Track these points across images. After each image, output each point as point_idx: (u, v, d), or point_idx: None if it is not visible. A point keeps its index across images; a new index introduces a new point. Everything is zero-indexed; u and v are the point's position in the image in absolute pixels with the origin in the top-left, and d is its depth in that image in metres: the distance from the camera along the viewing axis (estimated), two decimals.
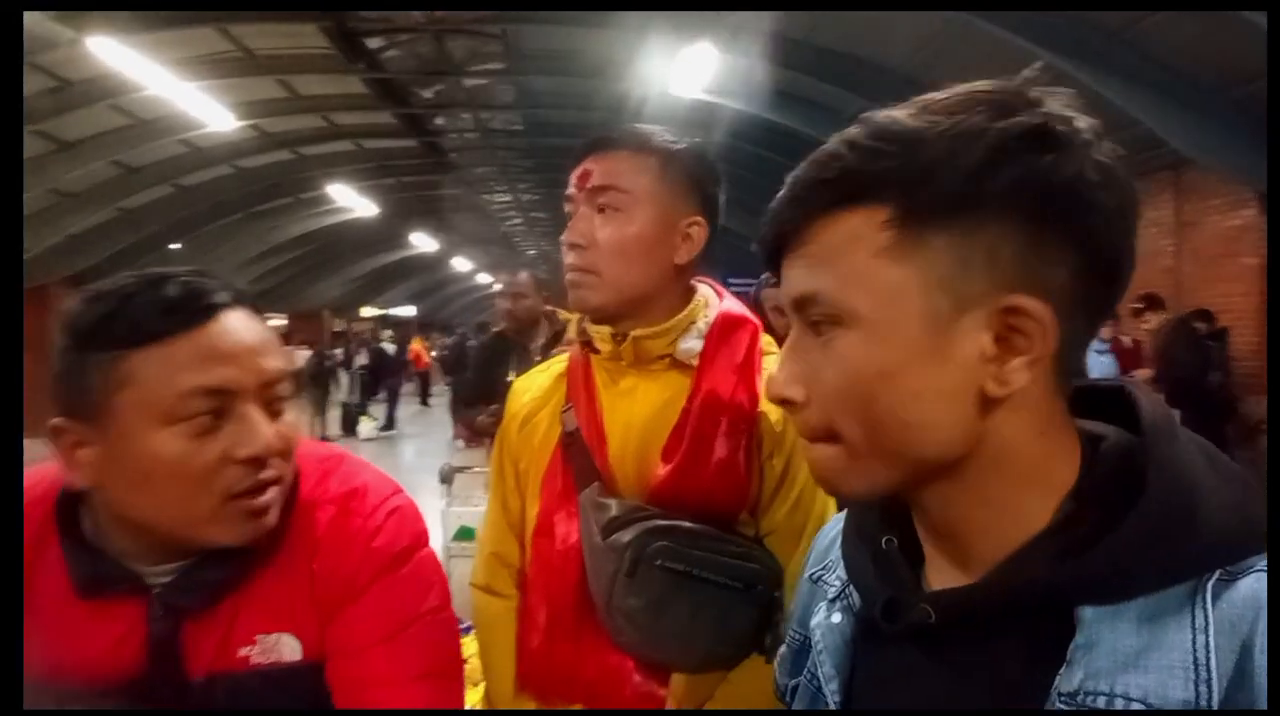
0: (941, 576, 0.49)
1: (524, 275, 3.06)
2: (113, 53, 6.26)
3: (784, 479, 0.96)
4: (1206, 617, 0.39)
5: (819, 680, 0.53)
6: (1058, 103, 0.43)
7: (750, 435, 0.95)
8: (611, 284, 0.95)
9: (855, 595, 0.54)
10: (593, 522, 0.95)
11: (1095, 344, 5.29)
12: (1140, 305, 5.79)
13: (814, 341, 0.47)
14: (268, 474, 0.73)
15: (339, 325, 19.41)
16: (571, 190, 0.98)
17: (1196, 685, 0.38)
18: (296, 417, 0.78)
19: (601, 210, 0.95)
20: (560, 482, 1.01)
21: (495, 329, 3.42)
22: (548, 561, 1.00)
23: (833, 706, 0.52)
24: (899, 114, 0.44)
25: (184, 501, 0.70)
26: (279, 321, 19.00)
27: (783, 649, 0.63)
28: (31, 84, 7.12)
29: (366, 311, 24.42)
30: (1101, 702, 0.39)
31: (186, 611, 0.76)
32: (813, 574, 0.61)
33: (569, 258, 0.97)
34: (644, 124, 1.01)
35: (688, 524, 0.91)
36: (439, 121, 11.49)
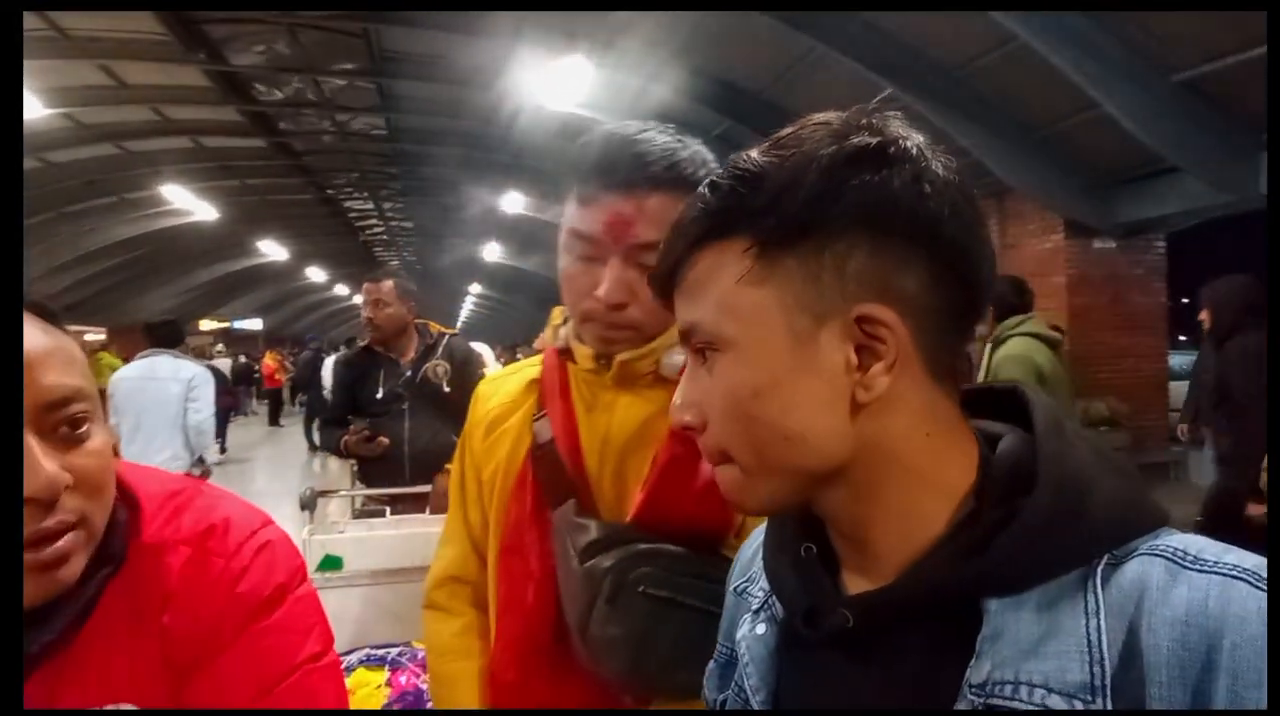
0: (857, 581, 0.50)
1: (387, 283, 2.86)
2: None
3: None
4: (1098, 602, 0.41)
5: (746, 692, 0.54)
6: (894, 126, 0.47)
7: None
8: (648, 336, 0.89)
9: (778, 605, 0.55)
10: (569, 544, 0.87)
11: None
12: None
13: (702, 369, 0.50)
14: (57, 519, 0.59)
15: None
16: (599, 235, 0.85)
17: (1091, 666, 0.40)
18: (103, 443, 0.64)
19: (641, 268, 0.84)
20: (530, 498, 0.93)
21: (361, 342, 3.13)
22: (518, 583, 0.92)
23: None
24: (754, 153, 0.48)
25: None
26: (97, 335, 16.99)
27: (711, 663, 0.62)
28: None
29: (206, 324, 22.45)
30: (1008, 691, 0.41)
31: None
32: (737, 586, 0.62)
33: (607, 316, 0.87)
34: (663, 140, 0.86)
35: (672, 548, 0.85)
36: (286, 124, 10.75)
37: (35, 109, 7.56)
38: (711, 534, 0.88)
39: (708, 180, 0.49)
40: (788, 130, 0.48)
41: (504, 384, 1.04)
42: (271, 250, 17.37)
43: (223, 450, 11.17)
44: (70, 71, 7.89)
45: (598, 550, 0.85)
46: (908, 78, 5.85)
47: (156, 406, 4.07)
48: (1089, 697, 0.39)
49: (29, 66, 7.08)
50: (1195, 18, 4.63)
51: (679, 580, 0.84)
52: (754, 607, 0.57)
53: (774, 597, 0.55)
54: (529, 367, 1.03)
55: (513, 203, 11.79)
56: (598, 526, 0.87)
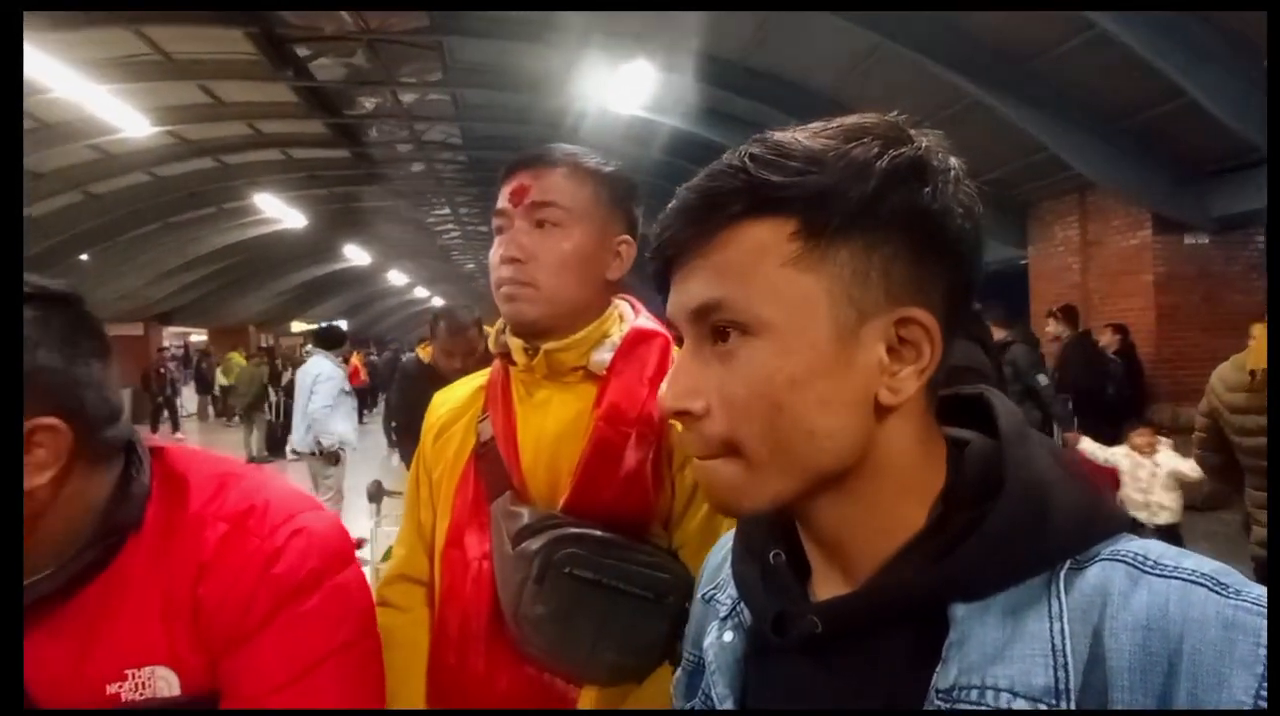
0: (828, 587, 0.50)
1: (471, 332, 2.93)
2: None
3: (695, 491, 0.96)
4: (1061, 606, 0.42)
5: (713, 700, 0.54)
6: (931, 140, 0.47)
7: (659, 447, 0.95)
8: (549, 297, 0.96)
9: (746, 612, 0.54)
10: (504, 531, 0.94)
11: None
12: (1057, 313, 6.13)
13: (713, 351, 0.47)
14: None
15: (266, 340, 18.71)
16: (505, 205, 0.98)
17: (1055, 670, 0.40)
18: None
19: (540, 225, 0.96)
20: (472, 493, 1.00)
21: (423, 355, 3.24)
22: (458, 573, 0.99)
23: None
24: (796, 135, 0.47)
25: None
26: (199, 336, 18.17)
27: (678, 672, 0.63)
28: None
29: (296, 326, 23.64)
30: (974, 696, 0.41)
31: (31, 636, 0.66)
32: (705, 593, 0.62)
33: (505, 271, 0.97)
34: (568, 144, 1.03)
35: (599, 532, 0.91)
36: (374, 133, 11.27)
37: (143, 127, 8.19)
38: (637, 520, 0.94)
39: (745, 153, 0.46)
40: (827, 124, 0.47)
41: (455, 392, 1.12)
42: (355, 255, 18.19)
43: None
44: (174, 92, 8.51)
45: (528, 534, 0.91)
46: (978, 71, 5.66)
47: (299, 397, 5.17)
48: (1053, 701, 0.40)
49: (139, 89, 7.69)
50: None
51: (603, 562, 0.90)
52: (721, 615, 0.57)
53: (741, 605, 0.55)
54: (479, 376, 1.11)
55: (636, 197, 11.93)
56: (529, 513, 0.94)
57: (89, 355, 0.70)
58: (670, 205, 0.49)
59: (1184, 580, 0.41)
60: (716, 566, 0.62)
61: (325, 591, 0.73)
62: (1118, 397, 5.77)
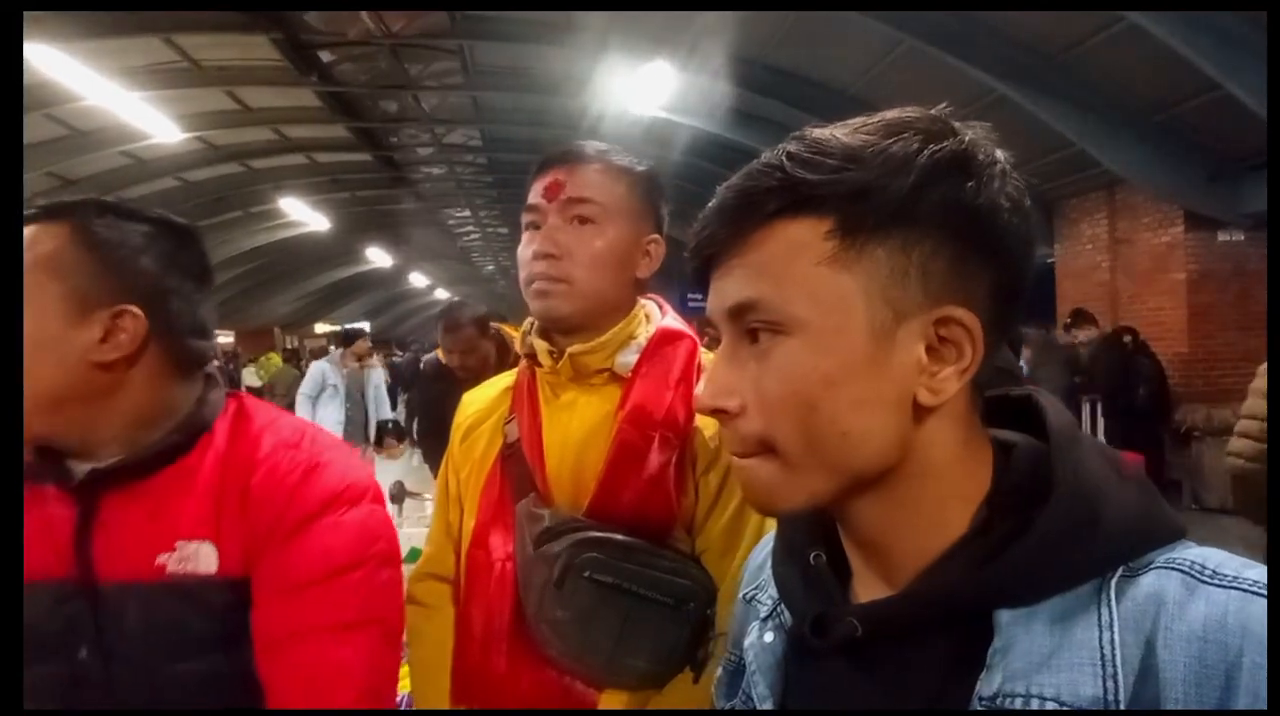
0: (869, 589, 0.49)
1: (470, 328, 2.91)
2: (50, 60, 6.06)
3: (719, 495, 0.95)
4: (1112, 615, 0.41)
5: (753, 701, 0.53)
6: (976, 133, 0.46)
7: (683, 450, 0.94)
8: (582, 293, 0.95)
9: (786, 613, 0.54)
10: (526, 533, 0.94)
11: None
12: (1068, 320, 6.04)
13: (749, 351, 0.47)
14: None
15: (291, 342, 18.95)
16: (539, 201, 0.97)
17: (1104, 681, 0.39)
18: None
19: (574, 221, 0.96)
20: (498, 494, 1.01)
21: (442, 359, 3.17)
22: (482, 573, 0.99)
23: None
24: (835, 132, 0.46)
25: None
26: (226, 338, 18.46)
27: (720, 671, 0.62)
28: None
29: (320, 327, 23.93)
30: (1019, 704, 0.40)
31: (103, 504, 0.79)
32: (746, 594, 0.61)
33: (538, 267, 0.96)
34: (599, 142, 1.03)
35: (620, 537, 0.91)
36: (395, 138, 11.38)
37: (173, 133, 8.33)
38: (660, 524, 0.93)
39: (783, 151, 0.46)
40: (867, 119, 0.46)
41: (483, 392, 1.12)
42: (378, 257, 18.37)
43: None
44: (201, 98, 8.65)
45: (550, 537, 0.91)
46: (1003, 67, 5.59)
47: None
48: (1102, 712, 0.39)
49: (168, 96, 7.83)
50: None
51: (624, 567, 0.89)
52: (762, 615, 0.56)
53: (782, 605, 0.54)
54: (507, 377, 1.11)
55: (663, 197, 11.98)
56: (551, 516, 0.93)
57: (184, 275, 0.84)
58: (710, 204, 0.48)
59: (1244, 591, 0.39)
60: (758, 566, 0.62)
61: (363, 509, 0.82)
62: (1149, 398, 5.67)
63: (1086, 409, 5.92)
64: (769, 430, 0.45)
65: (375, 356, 5.83)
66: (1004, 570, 0.43)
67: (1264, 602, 0.38)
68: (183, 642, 0.77)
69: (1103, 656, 0.39)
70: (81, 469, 0.80)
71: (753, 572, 0.62)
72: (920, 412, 0.45)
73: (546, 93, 8.61)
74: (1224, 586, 0.40)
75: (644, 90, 7.03)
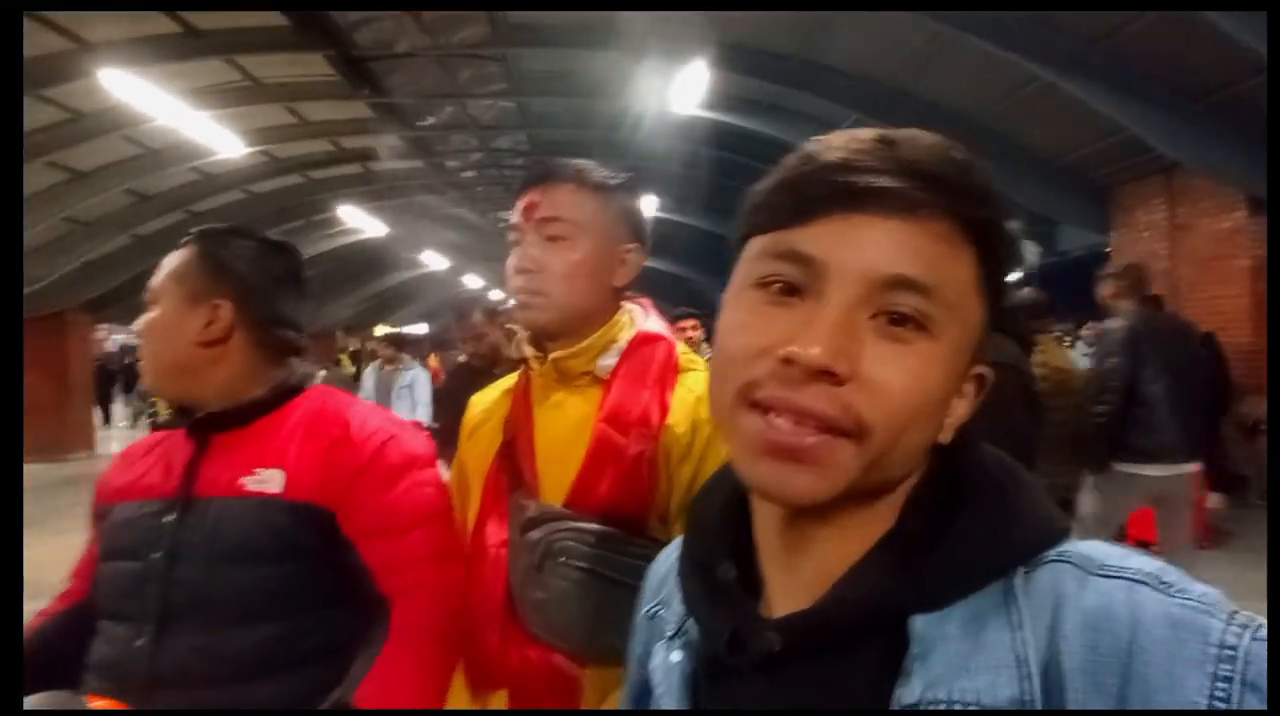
0: (785, 600, 0.48)
1: (477, 316, 3.05)
2: (123, 84, 6.48)
3: (692, 487, 1.00)
4: (1022, 615, 0.41)
5: None
6: None
7: (657, 445, 1.01)
8: (557, 304, 1.04)
9: (694, 629, 0.52)
10: (515, 522, 1.04)
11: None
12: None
13: (871, 326, 0.43)
14: None
15: (353, 344, 19.61)
16: (517, 220, 1.07)
17: (1021, 681, 0.40)
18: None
19: (549, 239, 1.04)
20: (496, 487, 1.10)
21: (462, 358, 3.29)
22: (479, 559, 1.08)
23: None
24: (975, 161, 0.45)
25: None
26: None
27: (623, 691, 0.61)
28: (45, 116, 7.37)
29: (380, 330, 24.60)
30: (942, 709, 0.40)
31: (212, 442, 1.07)
32: (648, 611, 0.59)
33: (518, 281, 1.05)
34: (579, 159, 1.11)
35: (596, 526, 0.98)
36: (443, 145, 11.70)
37: (238, 148, 8.78)
38: (635, 515, 1.00)
39: (973, 167, 0.45)
40: (977, 164, 0.45)
41: (489, 393, 1.22)
42: (433, 261, 18.86)
43: None
44: (263, 114, 9.09)
45: (533, 525, 1.00)
46: (1047, 53, 5.44)
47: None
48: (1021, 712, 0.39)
49: (232, 113, 8.26)
50: None
51: (597, 553, 0.97)
52: (667, 634, 0.54)
53: (689, 622, 0.52)
54: (511, 378, 1.20)
55: (643, 205, 12.07)
56: (535, 506, 1.02)
57: (275, 280, 1.14)
58: (878, 148, 0.44)
59: (1129, 579, 0.41)
60: (659, 582, 0.60)
61: (434, 471, 1.11)
62: (1209, 391, 5.40)
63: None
64: (875, 415, 0.42)
65: (405, 358, 5.76)
66: (919, 577, 0.43)
67: (1145, 590, 0.40)
68: (239, 551, 0.99)
69: (1017, 657, 0.40)
70: (194, 416, 1.08)
71: (653, 588, 0.60)
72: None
73: (588, 95, 8.74)
74: (1110, 576, 0.41)
75: (682, 89, 7.08)
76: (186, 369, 1.07)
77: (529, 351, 1.09)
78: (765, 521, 0.49)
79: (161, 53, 6.76)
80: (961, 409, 0.47)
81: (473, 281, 24.89)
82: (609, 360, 1.06)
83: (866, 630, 0.44)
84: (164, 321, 1.08)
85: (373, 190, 13.07)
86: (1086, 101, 5.60)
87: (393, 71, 8.56)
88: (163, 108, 7.12)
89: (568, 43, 7.45)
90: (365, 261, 18.00)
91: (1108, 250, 7.64)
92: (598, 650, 0.99)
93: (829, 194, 0.43)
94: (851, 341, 0.42)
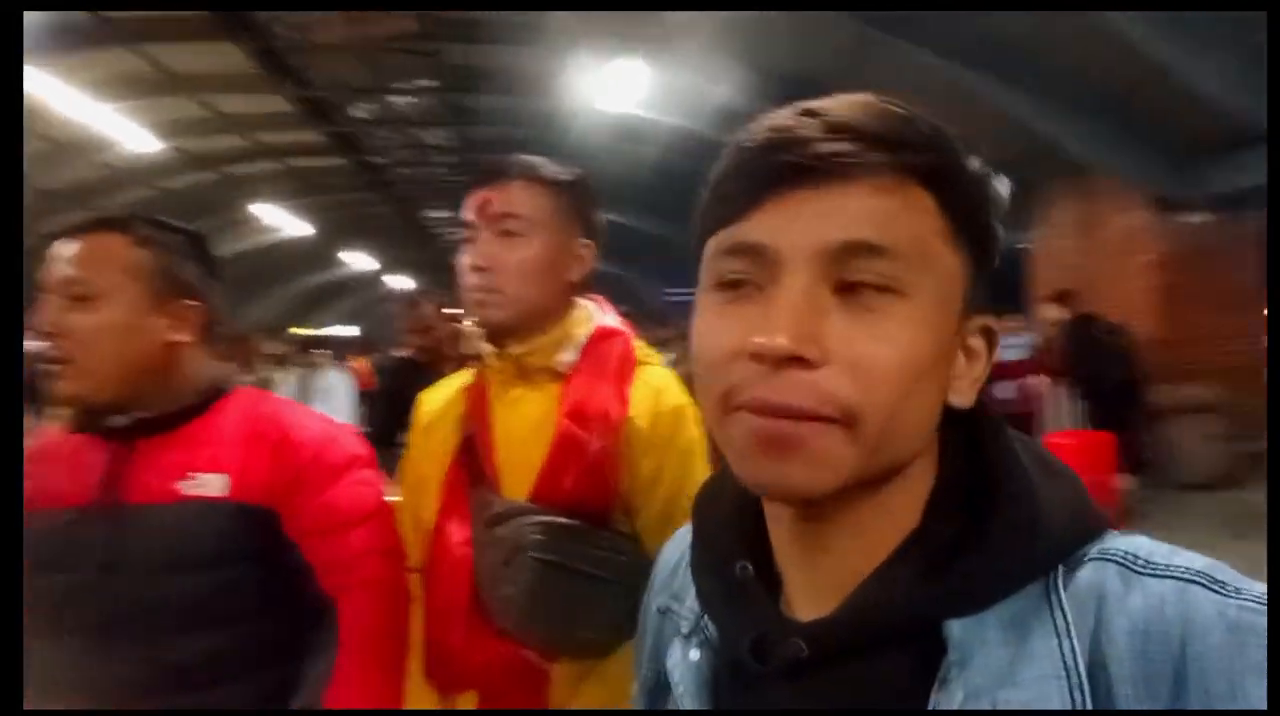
0: (806, 601, 0.46)
1: (426, 308, 2.93)
2: (25, 77, 6.01)
3: (655, 479, 1.03)
4: (1067, 620, 0.39)
5: None
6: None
7: (618, 438, 1.02)
8: (512, 301, 1.04)
9: (711, 627, 0.50)
10: (479, 519, 1.03)
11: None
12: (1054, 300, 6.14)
13: (837, 301, 0.41)
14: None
15: (273, 347, 18.82)
16: (471, 217, 1.07)
17: (1071, 691, 0.38)
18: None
19: (503, 235, 1.04)
20: (456, 485, 1.09)
21: (401, 354, 3.10)
22: (441, 557, 1.07)
23: None
24: (922, 113, 0.44)
25: None
26: None
27: (634, 688, 0.59)
28: None
29: (293, 332, 23.68)
30: None
31: (137, 446, 1.01)
32: (660, 605, 0.57)
33: (472, 279, 1.05)
34: (532, 155, 1.11)
35: (562, 519, 0.99)
36: (367, 142, 11.34)
37: (150, 142, 8.28)
38: (599, 508, 1.01)
39: (922, 119, 0.43)
40: (948, 129, 0.44)
41: (441, 391, 1.20)
42: (359, 261, 18.29)
43: None
44: (177, 107, 8.59)
45: (499, 521, 1.00)
46: (974, 58, 5.68)
47: None
48: None
49: (144, 105, 7.78)
50: None
51: (567, 546, 0.97)
52: (684, 631, 0.52)
53: (705, 620, 0.50)
54: (464, 376, 1.19)
55: (597, 201, 12.01)
56: (500, 501, 1.02)
57: (211, 275, 1.09)
58: (803, 120, 0.42)
59: (1179, 579, 0.39)
60: (668, 575, 0.58)
61: (372, 471, 1.10)
62: (1122, 379, 5.77)
63: (1065, 392, 6.02)
64: (860, 396, 0.40)
65: (321, 359, 5.46)
66: (954, 581, 0.41)
67: (1198, 590, 0.38)
68: (182, 557, 0.96)
69: (1065, 667, 0.38)
70: (120, 420, 1.01)
71: (664, 580, 0.58)
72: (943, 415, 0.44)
73: (518, 93, 8.62)
74: (1158, 576, 0.39)
75: (615, 87, 7.06)
76: (145, 372, 1.01)
77: (487, 348, 1.08)
78: (777, 519, 0.47)
79: (65, 41, 6.30)
80: (978, 369, 0.45)
81: (400, 281, 24.28)
82: (568, 356, 1.07)
83: (899, 635, 0.42)
84: (119, 322, 0.99)
85: (294, 187, 12.56)
86: (1007, 108, 5.86)
87: (315, 65, 8.23)
88: (66, 99, 6.65)
89: (499, 39, 7.32)
90: (286, 262, 17.30)
91: (1024, 248, 8.04)
92: (568, 643, 1.01)
93: (764, 178, 0.42)
94: (817, 322, 0.40)
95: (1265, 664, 0.35)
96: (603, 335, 1.09)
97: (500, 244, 1.04)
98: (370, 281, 23.30)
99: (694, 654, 0.50)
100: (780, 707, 0.45)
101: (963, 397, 0.44)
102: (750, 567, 0.47)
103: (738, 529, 0.50)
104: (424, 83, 8.86)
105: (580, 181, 1.11)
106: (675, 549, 0.59)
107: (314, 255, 17.32)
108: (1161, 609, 0.38)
